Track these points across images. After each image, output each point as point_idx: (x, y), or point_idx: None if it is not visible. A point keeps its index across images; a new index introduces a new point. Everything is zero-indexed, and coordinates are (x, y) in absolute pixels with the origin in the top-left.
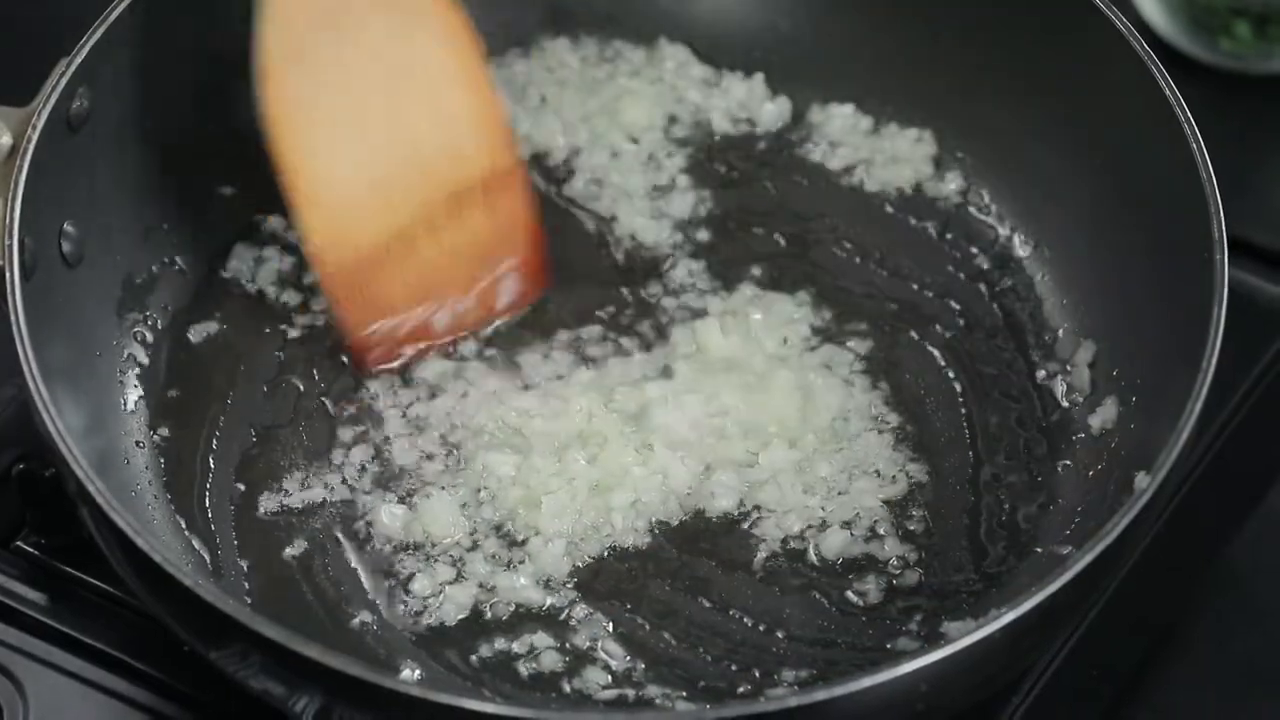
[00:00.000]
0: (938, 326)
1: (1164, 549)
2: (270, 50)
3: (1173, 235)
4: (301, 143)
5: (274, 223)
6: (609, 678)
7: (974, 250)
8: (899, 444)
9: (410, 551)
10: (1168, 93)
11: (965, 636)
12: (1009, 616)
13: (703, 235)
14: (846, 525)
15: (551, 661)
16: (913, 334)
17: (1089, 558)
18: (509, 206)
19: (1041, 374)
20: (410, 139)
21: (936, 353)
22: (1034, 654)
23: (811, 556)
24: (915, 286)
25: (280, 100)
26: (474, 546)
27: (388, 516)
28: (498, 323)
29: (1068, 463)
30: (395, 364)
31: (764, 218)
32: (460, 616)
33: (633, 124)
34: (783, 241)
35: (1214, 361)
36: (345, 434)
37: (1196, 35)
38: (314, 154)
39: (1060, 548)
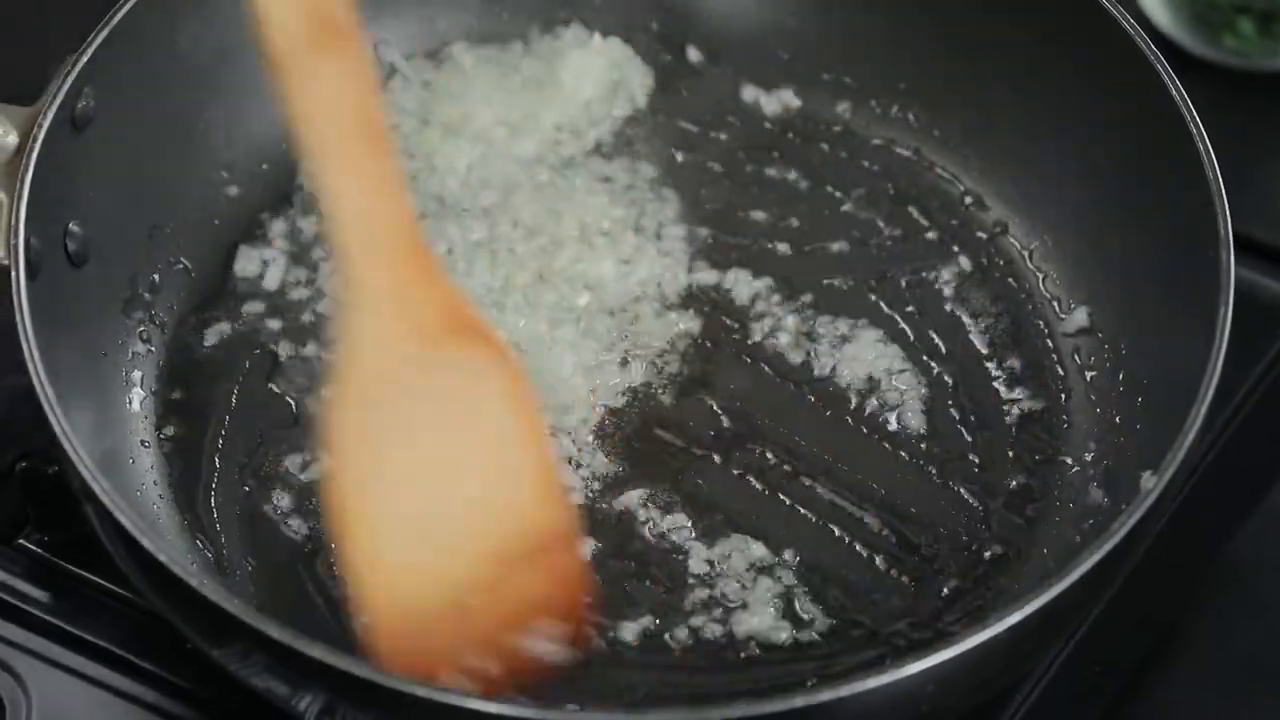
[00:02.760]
0: (940, 325)
1: (1166, 546)
2: (336, 420)
3: (1178, 234)
4: (359, 513)
5: (279, 225)
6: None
7: (976, 249)
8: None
9: None
10: (1172, 90)
11: (971, 637)
12: (1015, 617)
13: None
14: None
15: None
16: (914, 328)
17: (1096, 557)
18: (562, 568)
19: (1047, 374)
20: (468, 500)
21: (939, 347)
22: (1039, 654)
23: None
24: (917, 275)
25: (341, 467)
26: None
27: None
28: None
29: (1072, 462)
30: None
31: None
32: None
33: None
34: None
35: (1220, 361)
36: None
37: (1200, 32)
38: (371, 524)
39: (1067, 547)
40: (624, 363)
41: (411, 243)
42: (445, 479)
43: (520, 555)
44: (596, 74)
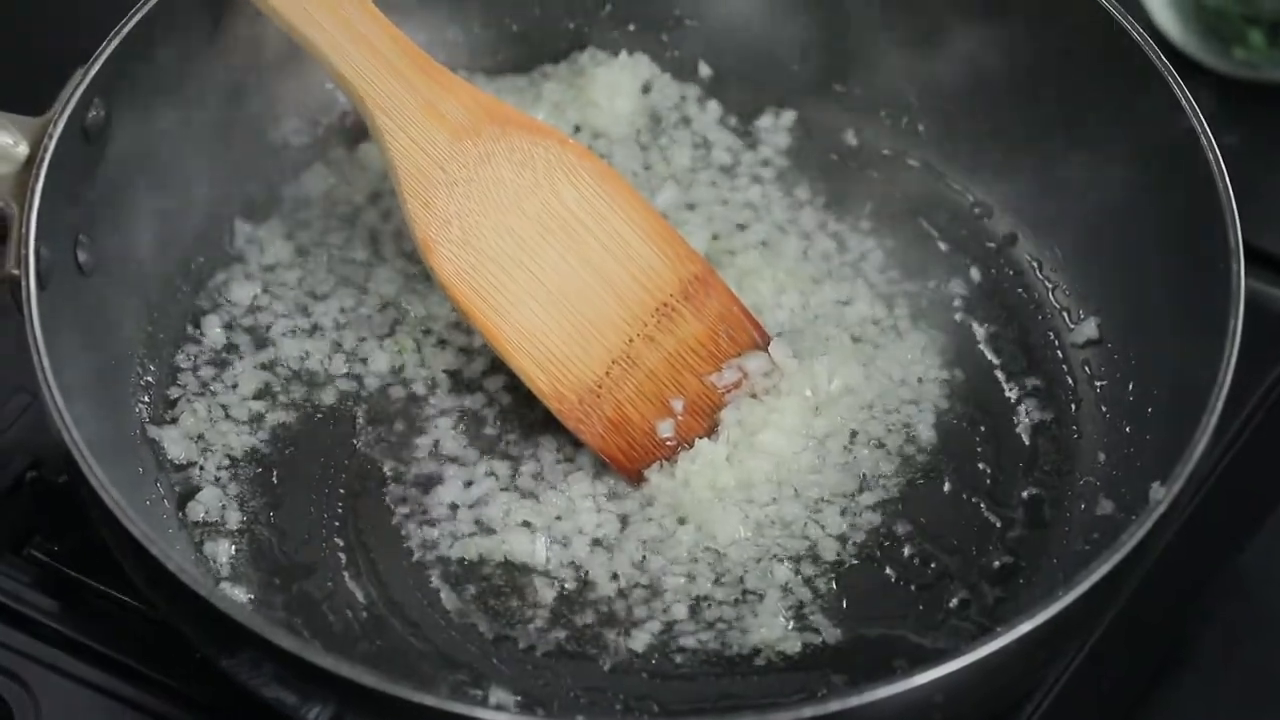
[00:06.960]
0: (950, 336)
1: (1176, 557)
2: (423, 229)
3: (1188, 244)
4: (485, 307)
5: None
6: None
7: (986, 260)
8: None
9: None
10: (1183, 101)
11: (981, 647)
12: (1025, 627)
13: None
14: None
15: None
16: (928, 337)
17: (1105, 568)
18: (713, 305)
19: (1056, 385)
20: (593, 274)
21: (949, 356)
22: (1049, 664)
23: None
24: (927, 286)
25: (449, 272)
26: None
27: (397, 518)
28: None
29: (1081, 472)
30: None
31: None
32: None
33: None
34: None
35: (1230, 373)
36: (356, 442)
37: (1210, 43)
38: (502, 314)
39: (1077, 558)
40: None
41: (420, 58)
42: (560, 262)
43: (668, 304)
44: (627, 88)
